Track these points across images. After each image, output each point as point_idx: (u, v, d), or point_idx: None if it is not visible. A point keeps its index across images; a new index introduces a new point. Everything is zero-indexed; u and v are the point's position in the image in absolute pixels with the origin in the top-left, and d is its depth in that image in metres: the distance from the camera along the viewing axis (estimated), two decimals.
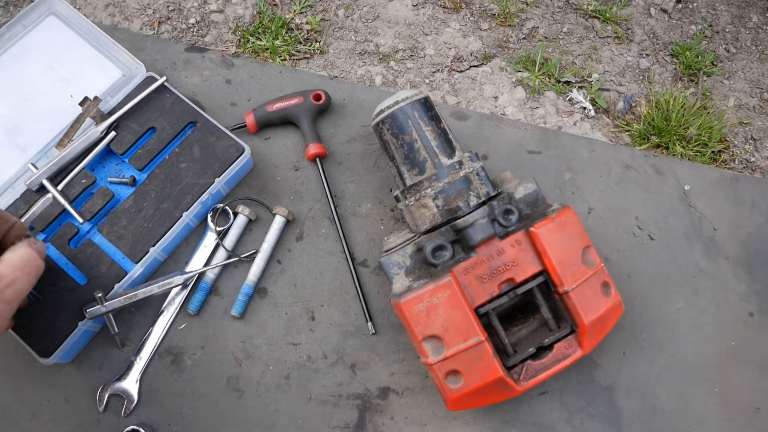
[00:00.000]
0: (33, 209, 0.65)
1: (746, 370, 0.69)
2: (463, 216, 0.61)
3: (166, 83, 0.73)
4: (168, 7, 0.88)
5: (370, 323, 0.69)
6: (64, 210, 0.67)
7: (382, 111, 0.66)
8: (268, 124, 0.76)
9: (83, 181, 0.69)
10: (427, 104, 0.66)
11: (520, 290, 0.62)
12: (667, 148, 0.82)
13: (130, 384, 0.66)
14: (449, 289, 0.59)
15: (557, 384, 0.68)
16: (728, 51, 0.90)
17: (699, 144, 0.81)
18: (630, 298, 0.71)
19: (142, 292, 0.65)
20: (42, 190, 0.68)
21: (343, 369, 0.68)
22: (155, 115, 0.71)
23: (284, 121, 0.76)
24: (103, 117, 0.70)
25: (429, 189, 0.63)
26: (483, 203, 0.63)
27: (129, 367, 0.67)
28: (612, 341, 0.69)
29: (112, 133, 0.70)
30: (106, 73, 0.74)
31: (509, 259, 0.62)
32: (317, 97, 0.75)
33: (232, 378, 0.67)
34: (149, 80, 0.73)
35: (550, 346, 0.63)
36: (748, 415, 0.67)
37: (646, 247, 0.73)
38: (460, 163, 0.64)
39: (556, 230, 0.62)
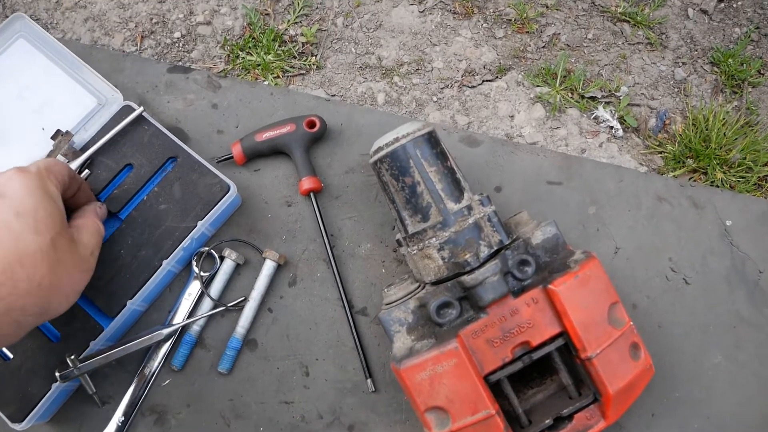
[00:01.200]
0: None
1: None
2: (472, 272, 0.54)
3: (144, 114, 0.66)
4: (151, 19, 0.80)
5: (369, 380, 0.63)
6: None
7: (380, 149, 0.58)
8: (258, 154, 0.69)
9: None
10: (431, 140, 0.58)
11: (536, 355, 0.55)
12: (705, 173, 0.72)
13: None
14: (455, 356, 0.52)
15: None
16: None
17: (743, 168, 0.72)
18: (661, 352, 0.63)
19: (118, 352, 0.60)
20: None
21: (340, 430, 0.62)
22: (132, 150, 0.65)
23: (275, 151, 0.69)
24: (76, 153, 0.64)
25: (434, 239, 0.56)
26: (495, 253, 0.56)
27: (109, 427, 0.62)
28: (639, 401, 0.62)
29: (86, 172, 0.64)
30: (80, 101, 0.67)
31: (524, 320, 0.54)
32: (311, 124, 0.68)
33: None
34: (126, 110, 0.66)
35: (569, 417, 0.56)
36: None
37: (681, 292, 0.65)
38: (469, 208, 0.56)
39: (578, 287, 0.54)
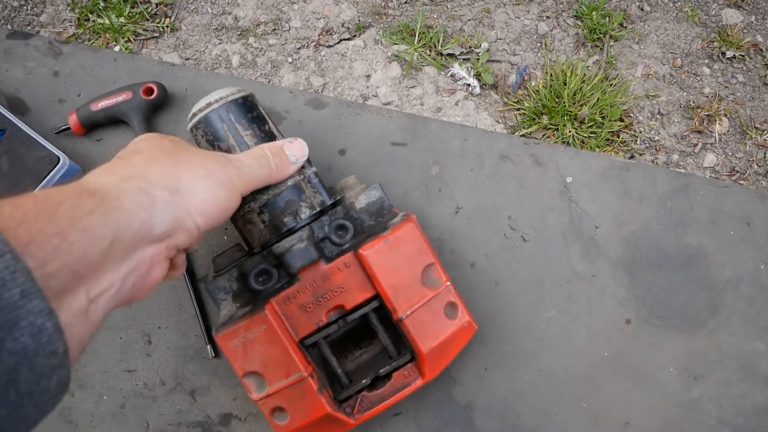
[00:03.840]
0: None
1: (618, 383, 0.64)
2: (280, 240, 0.54)
3: None
4: None
5: (209, 346, 0.64)
6: None
7: (194, 114, 0.57)
8: (96, 124, 0.67)
9: None
10: (246, 104, 0.57)
11: (351, 318, 0.56)
12: (557, 130, 0.73)
13: None
14: (264, 323, 0.53)
15: (412, 404, 0.64)
16: (642, 9, 0.79)
17: (593, 124, 0.72)
18: (495, 309, 0.65)
19: None
20: None
21: (182, 395, 0.64)
22: None
23: (113, 120, 0.67)
24: None
25: (252, 203, 0.56)
26: (318, 215, 0.56)
27: None
28: (473, 356, 0.64)
29: None
30: None
31: (336, 285, 0.55)
32: (148, 91, 0.66)
33: (64, 410, 0.63)
34: None
35: (388, 375, 0.57)
36: (617, 430, 0.63)
37: (518, 249, 0.66)
38: None
39: (388, 251, 0.55)
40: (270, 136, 0.57)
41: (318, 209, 0.56)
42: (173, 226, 0.41)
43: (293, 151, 0.54)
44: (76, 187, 0.37)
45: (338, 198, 0.59)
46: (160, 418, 0.63)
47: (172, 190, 0.41)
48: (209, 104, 0.56)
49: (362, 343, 0.61)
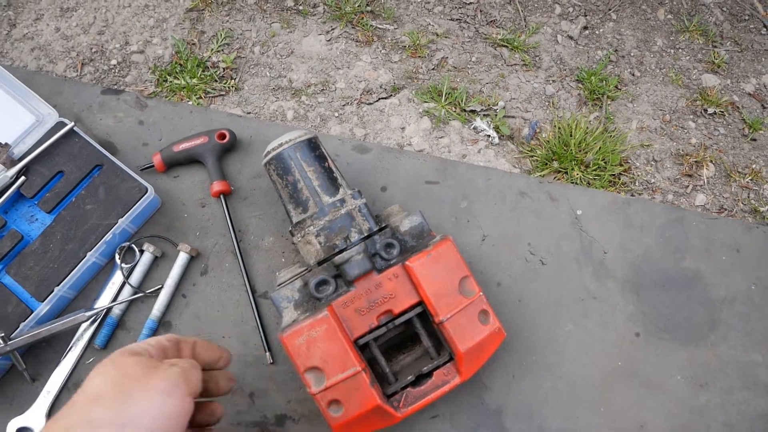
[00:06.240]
0: None
1: (631, 389, 0.71)
2: (341, 252, 0.65)
3: (75, 128, 0.76)
4: (91, 49, 0.92)
5: (268, 353, 0.72)
6: None
7: (268, 152, 0.69)
8: (176, 163, 0.79)
9: None
10: (311, 145, 0.69)
11: (398, 321, 0.65)
12: (566, 173, 0.84)
13: (38, 417, 0.70)
14: (326, 323, 0.62)
15: (448, 407, 0.71)
16: (633, 74, 0.93)
17: (597, 168, 0.84)
18: (520, 323, 0.73)
19: (45, 330, 0.68)
20: None
21: (242, 398, 0.71)
22: (64, 160, 0.75)
23: (191, 160, 0.79)
24: (13, 162, 0.74)
25: (311, 227, 0.66)
26: (365, 238, 0.66)
27: (38, 401, 0.70)
28: (501, 364, 0.72)
29: (22, 178, 0.74)
30: (18, 119, 0.78)
31: (387, 293, 0.65)
32: (222, 136, 0.79)
33: None
34: (60, 125, 0.76)
35: (429, 374, 0.66)
36: None
37: (538, 272, 0.76)
38: (342, 201, 0.67)
39: (431, 263, 0.65)
40: (329, 171, 0.69)
41: (366, 234, 0.67)
42: None
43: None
44: None
45: (384, 225, 0.70)
46: (222, 417, 0.70)
47: (119, 425, 0.41)
48: (281, 144, 0.68)
49: (405, 349, 0.70)
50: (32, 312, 0.69)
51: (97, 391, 0.44)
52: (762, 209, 0.81)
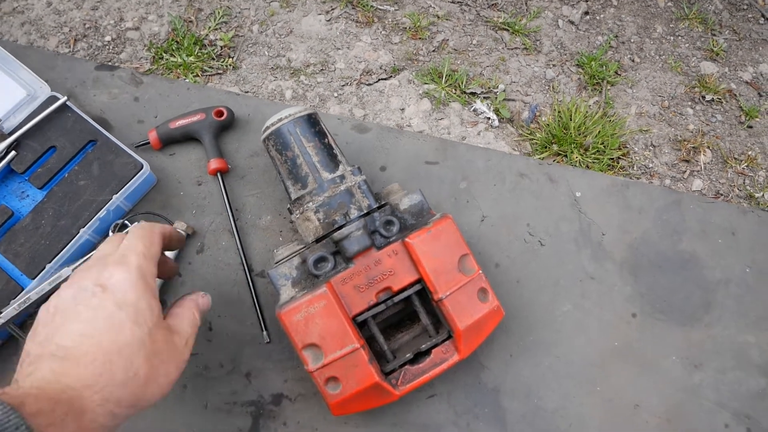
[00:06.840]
0: None
1: (627, 369, 0.72)
2: (340, 228, 0.64)
3: (68, 103, 0.75)
4: (84, 24, 0.90)
5: (265, 332, 0.71)
6: None
7: (267, 128, 0.68)
8: (172, 140, 0.78)
9: None
10: (310, 120, 0.68)
11: (398, 298, 0.64)
12: (566, 156, 0.84)
13: None
14: (325, 299, 0.62)
15: (445, 386, 0.71)
16: (633, 60, 0.93)
17: (596, 151, 0.84)
18: (518, 303, 0.73)
19: (35, 293, 0.66)
20: None
21: (238, 377, 0.70)
22: (56, 135, 0.74)
23: (187, 137, 0.78)
24: (3, 136, 0.72)
25: (311, 203, 0.66)
26: (364, 215, 0.66)
27: None
28: (499, 344, 0.72)
29: (13, 153, 0.72)
30: (9, 92, 0.76)
31: (386, 269, 0.64)
32: (219, 114, 0.77)
33: None
34: (52, 99, 0.75)
35: (428, 351, 0.65)
36: (628, 411, 0.70)
37: (536, 253, 0.76)
38: (342, 177, 0.66)
39: (431, 240, 0.64)
40: (328, 147, 0.68)
41: (365, 211, 0.66)
42: None
43: (204, 306, 0.58)
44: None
45: (383, 203, 0.69)
46: (217, 397, 0.69)
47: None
48: (280, 119, 0.67)
49: (403, 328, 0.69)
50: (22, 290, 0.68)
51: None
52: (757, 195, 0.82)
